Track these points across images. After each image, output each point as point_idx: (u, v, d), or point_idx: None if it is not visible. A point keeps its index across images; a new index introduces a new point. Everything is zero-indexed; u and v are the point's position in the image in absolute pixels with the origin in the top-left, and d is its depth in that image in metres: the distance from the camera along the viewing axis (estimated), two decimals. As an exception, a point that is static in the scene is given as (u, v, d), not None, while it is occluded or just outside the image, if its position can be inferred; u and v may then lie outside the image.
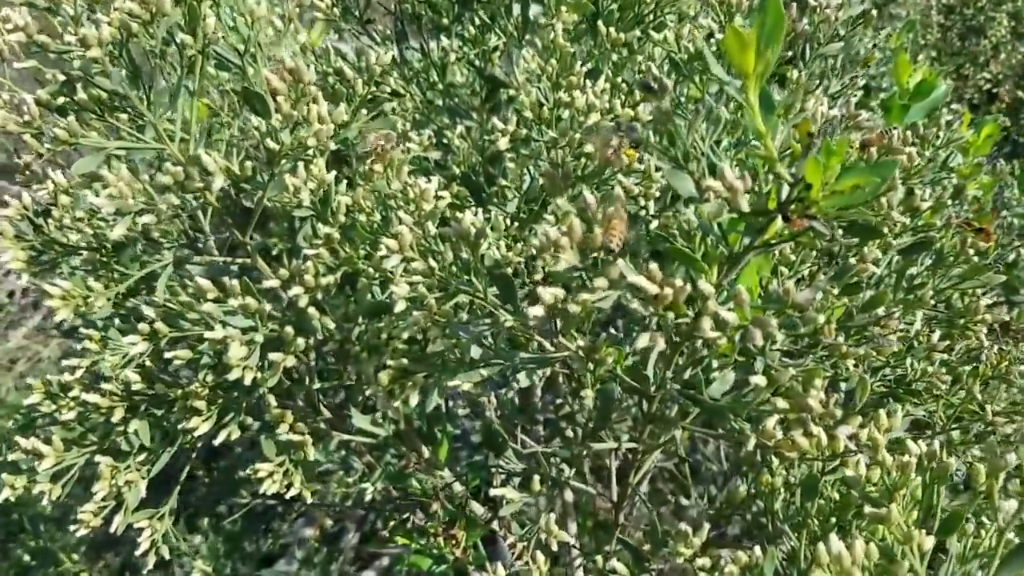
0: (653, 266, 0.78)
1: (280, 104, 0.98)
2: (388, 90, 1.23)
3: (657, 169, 1.05)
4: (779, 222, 0.84)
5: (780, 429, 0.89)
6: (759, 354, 0.93)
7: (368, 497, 1.90)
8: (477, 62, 1.56)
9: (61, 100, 1.06)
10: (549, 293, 0.81)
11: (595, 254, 0.80)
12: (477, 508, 1.39)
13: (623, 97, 1.15)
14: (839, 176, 0.75)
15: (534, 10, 1.43)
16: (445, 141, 1.58)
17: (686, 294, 0.77)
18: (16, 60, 1.06)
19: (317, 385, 1.34)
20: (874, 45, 2.11)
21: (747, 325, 0.76)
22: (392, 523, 1.86)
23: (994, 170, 2.06)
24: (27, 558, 2.23)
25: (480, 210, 1.17)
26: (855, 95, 1.45)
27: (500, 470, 1.20)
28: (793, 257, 1.09)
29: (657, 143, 0.85)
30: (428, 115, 1.60)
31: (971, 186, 1.75)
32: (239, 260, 1.24)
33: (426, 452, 1.50)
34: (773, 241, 0.86)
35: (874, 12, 1.48)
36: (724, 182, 0.75)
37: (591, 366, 0.97)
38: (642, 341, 0.79)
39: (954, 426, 1.12)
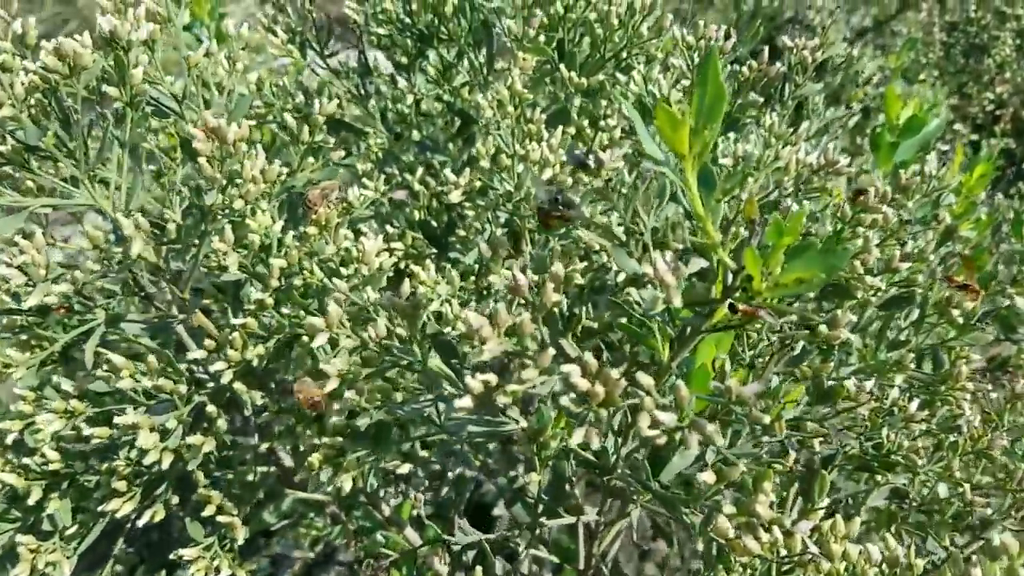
0: (588, 356, 0.70)
1: (202, 165, 0.92)
2: (332, 137, 1.16)
3: (599, 249, 0.98)
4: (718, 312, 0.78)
5: (732, 528, 0.81)
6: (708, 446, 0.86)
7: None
8: (446, 97, 1.49)
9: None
10: (478, 382, 0.74)
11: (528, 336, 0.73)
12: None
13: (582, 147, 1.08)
14: (784, 266, 0.68)
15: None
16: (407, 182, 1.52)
17: (621, 389, 0.70)
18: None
19: (265, 445, 1.27)
20: (865, 82, 2.03)
21: (683, 427, 0.69)
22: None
23: (993, 204, 1.98)
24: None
25: (433, 266, 1.10)
26: (836, 138, 1.37)
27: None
28: (754, 334, 1.01)
29: (595, 220, 0.78)
30: (394, 151, 1.53)
31: (964, 226, 1.67)
32: (180, 316, 1.18)
33: (387, 510, 1.43)
34: (720, 325, 0.79)
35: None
36: (656, 274, 0.68)
37: (535, 448, 0.90)
38: (577, 437, 0.72)
39: (932, 506, 1.05)
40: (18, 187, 1.12)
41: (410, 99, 1.45)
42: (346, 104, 1.52)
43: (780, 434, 0.80)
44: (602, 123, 1.18)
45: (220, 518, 1.01)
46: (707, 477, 0.79)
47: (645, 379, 0.72)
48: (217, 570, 1.00)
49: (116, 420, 0.87)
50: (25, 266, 0.91)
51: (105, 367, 0.93)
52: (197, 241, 1.04)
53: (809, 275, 0.66)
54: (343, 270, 1.02)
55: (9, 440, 1.05)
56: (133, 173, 1.07)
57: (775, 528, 0.80)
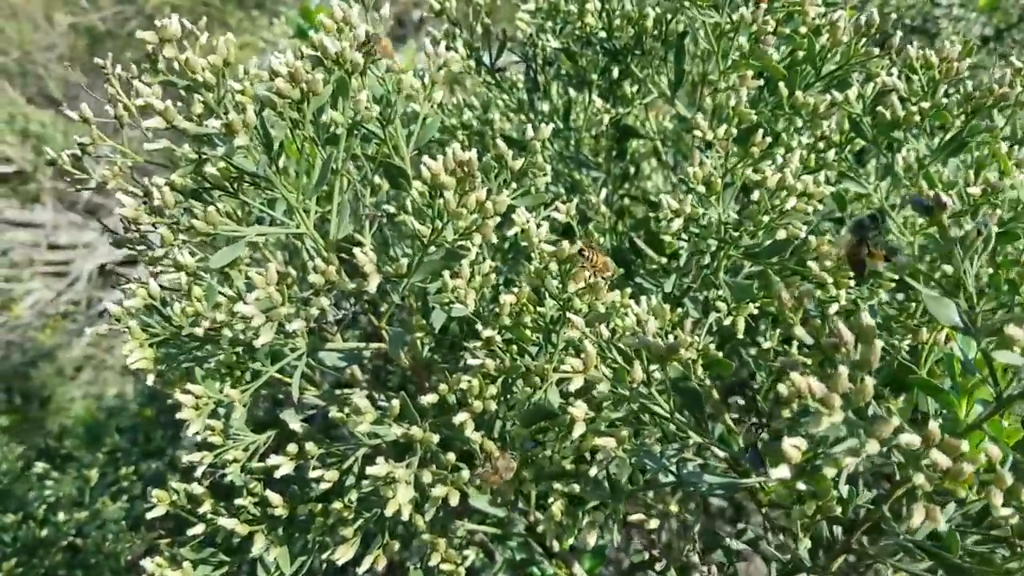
0: (934, 426, 0.64)
1: (448, 201, 0.86)
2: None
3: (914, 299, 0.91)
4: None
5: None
6: None
7: (469, 564, 1.78)
8: (615, 112, 1.42)
9: (192, 185, 0.96)
10: (795, 449, 0.68)
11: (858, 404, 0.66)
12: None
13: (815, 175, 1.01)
14: None
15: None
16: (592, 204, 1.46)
17: (978, 466, 0.63)
18: (133, 125, 0.96)
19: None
20: None
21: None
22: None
23: None
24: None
25: (643, 297, 1.04)
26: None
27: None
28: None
29: (924, 267, 0.71)
30: (557, 168, 1.47)
31: None
32: (373, 346, 1.12)
33: (555, 545, 1.37)
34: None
35: None
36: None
37: (801, 511, 0.83)
38: (917, 518, 0.65)
39: None
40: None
41: (581, 115, 1.38)
42: (512, 120, 1.46)
43: None
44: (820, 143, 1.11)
45: (443, 567, 0.95)
46: None
47: (995, 452, 0.65)
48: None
49: (370, 471, 0.81)
50: (260, 302, 0.86)
51: (345, 410, 0.87)
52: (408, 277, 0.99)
53: None
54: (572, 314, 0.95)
55: (199, 473, 1.01)
56: (341, 201, 1.02)
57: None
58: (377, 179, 1.19)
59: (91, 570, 2.10)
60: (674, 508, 0.87)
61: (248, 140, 0.87)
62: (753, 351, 1.22)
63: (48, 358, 5.73)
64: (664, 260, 1.20)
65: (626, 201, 1.64)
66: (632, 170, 1.68)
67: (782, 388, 0.66)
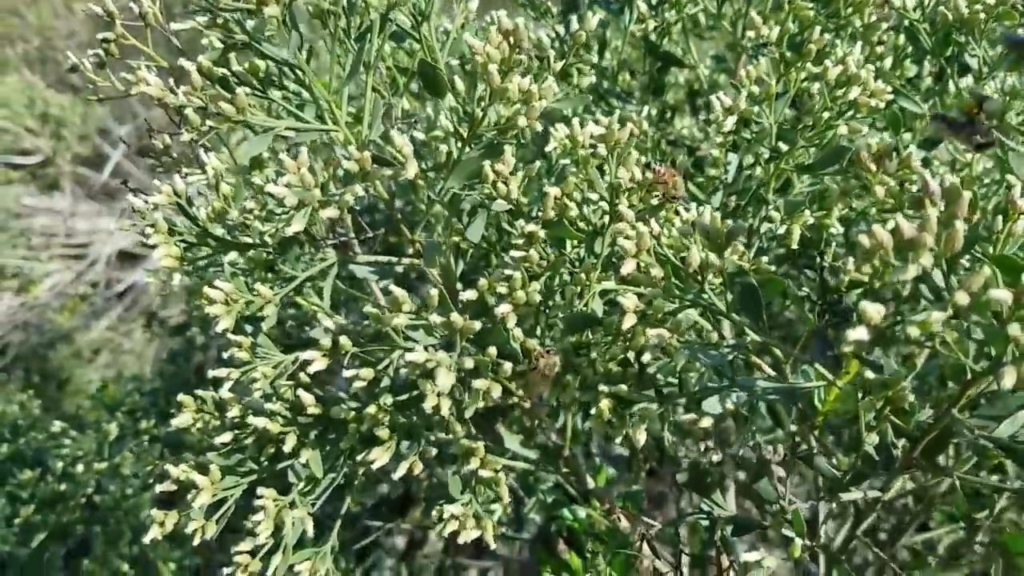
0: (1027, 282, 0.58)
1: (491, 75, 0.81)
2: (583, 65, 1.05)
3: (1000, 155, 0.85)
4: None
5: None
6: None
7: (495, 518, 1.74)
8: (652, 37, 1.37)
9: (221, 71, 0.91)
10: (876, 310, 0.62)
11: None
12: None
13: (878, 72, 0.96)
14: None
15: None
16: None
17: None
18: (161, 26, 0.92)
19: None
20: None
21: None
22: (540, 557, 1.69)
23: None
24: (125, 568, 2.11)
25: (695, 205, 0.98)
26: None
27: (707, 516, 1.02)
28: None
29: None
30: (593, 99, 1.42)
31: None
32: (405, 261, 1.08)
33: (590, 481, 1.32)
34: None
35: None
36: None
37: (877, 404, 0.77)
38: (1008, 379, 0.60)
39: None
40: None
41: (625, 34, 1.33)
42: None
43: None
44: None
45: (483, 472, 0.90)
46: None
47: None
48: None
49: (408, 357, 0.76)
50: (293, 187, 0.81)
51: (383, 300, 0.82)
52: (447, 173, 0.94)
53: None
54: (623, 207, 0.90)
55: (225, 390, 0.96)
56: (374, 100, 0.97)
57: None
58: (410, 90, 1.15)
59: (108, 524, 2.07)
60: (729, 409, 0.81)
61: (279, 11, 0.82)
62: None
63: (66, 340, 5.72)
64: (712, 173, 1.15)
65: (663, 145, 1.59)
66: (669, 115, 1.63)
67: (863, 239, 0.61)
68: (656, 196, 0.84)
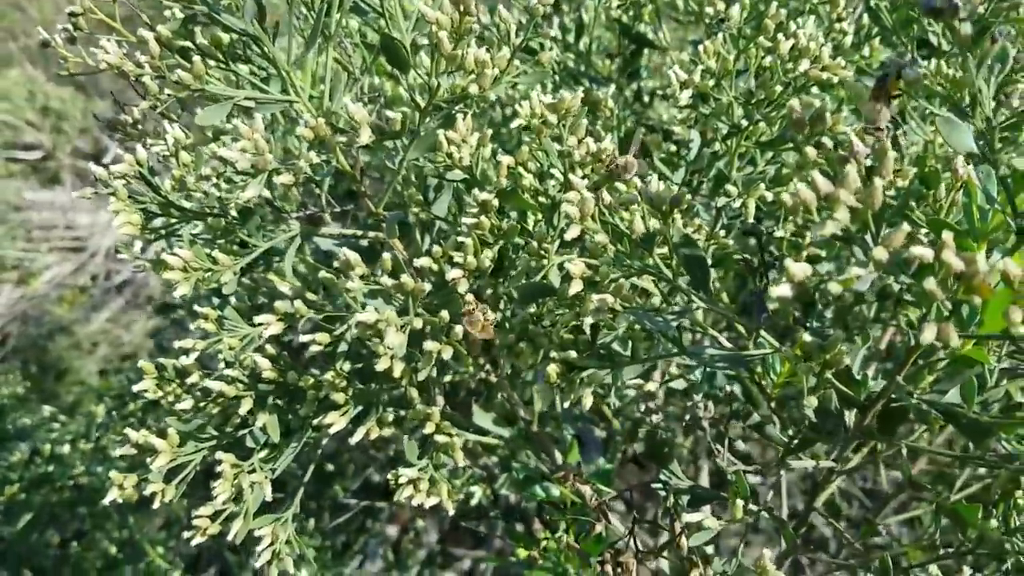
0: (947, 236, 0.59)
1: (441, 41, 0.82)
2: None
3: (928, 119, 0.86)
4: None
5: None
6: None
7: (475, 502, 1.75)
8: (624, 18, 1.38)
9: (184, 43, 0.93)
10: (800, 268, 0.64)
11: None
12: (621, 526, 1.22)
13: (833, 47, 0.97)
14: None
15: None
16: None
17: (994, 275, 0.59)
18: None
19: (448, 377, 1.19)
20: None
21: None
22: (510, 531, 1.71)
23: None
24: (113, 550, 2.13)
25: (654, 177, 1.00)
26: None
27: (665, 486, 1.03)
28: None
29: (938, 84, 0.67)
30: (565, 81, 1.43)
31: None
32: (371, 234, 1.09)
33: (559, 456, 1.34)
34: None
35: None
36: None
37: (815, 368, 0.79)
38: (928, 334, 0.61)
39: None
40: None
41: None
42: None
43: None
44: None
45: (438, 437, 0.92)
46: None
47: (1014, 267, 0.61)
48: (430, 494, 0.91)
49: (358, 317, 0.78)
50: (246, 152, 0.83)
51: (336, 264, 0.84)
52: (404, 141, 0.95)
53: None
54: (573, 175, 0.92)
55: (191, 358, 0.98)
56: (335, 71, 0.99)
57: None
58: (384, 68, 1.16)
59: (95, 506, 2.09)
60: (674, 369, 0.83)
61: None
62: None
63: (65, 332, 5.74)
64: (674, 148, 1.16)
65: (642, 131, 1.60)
66: (648, 99, 1.64)
67: (785, 197, 0.62)
68: (606, 169, 0.85)
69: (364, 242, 1.12)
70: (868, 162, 0.64)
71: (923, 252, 0.60)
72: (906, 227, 0.60)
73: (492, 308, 1.00)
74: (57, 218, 6.48)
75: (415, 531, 2.62)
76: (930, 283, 0.59)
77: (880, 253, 0.60)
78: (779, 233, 0.93)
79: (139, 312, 5.91)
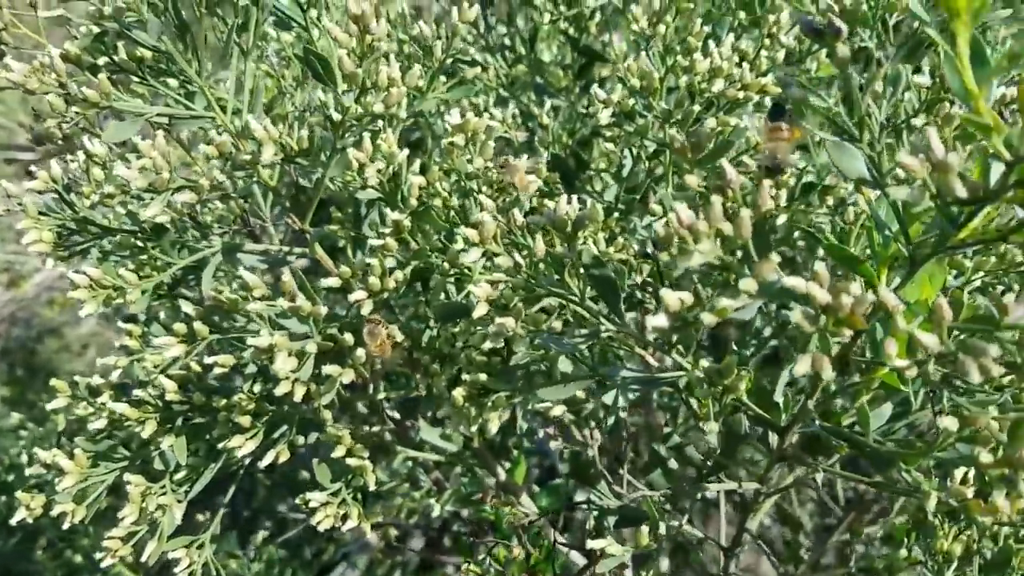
0: (820, 266, 0.58)
1: (343, 61, 0.81)
2: (469, 57, 1.05)
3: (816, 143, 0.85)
4: (980, 216, 0.65)
5: (971, 487, 0.68)
6: (940, 387, 0.73)
7: (436, 514, 1.73)
8: (571, 31, 1.37)
9: (98, 59, 0.92)
10: (675, 298, 0.63)
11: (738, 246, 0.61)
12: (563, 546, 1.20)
13: (752, 63, 0.95)
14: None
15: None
16: (529, 124, 1.41)
17: (866, 306, 0.57)
18: (43, 7, 0.93)
19: (382, 394, 1.17)
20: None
21: (955, 352, 0.56)
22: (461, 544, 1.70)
23: None
24: (78, 559, 2.12)
25: (575, 197, 0.98)
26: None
27: (591, 506, 1.02)
28: (968, 264, 0.87)
29: (821, 109, 0.65)
30: (512, 92, 1.42)
31: None
32: (297, 251, 1.08)
33: (501, 473, 1.32)
34: (969, 240, 0.66)
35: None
36: (931, 157, 0.55)
37: (718, 392, 0.77)
38: (802, 366, 0.59)
39: None
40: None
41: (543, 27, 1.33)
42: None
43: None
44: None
45: (350, 461, 0.90)
46: (949, 422, 0.66)
47: (889, 297, 0.59)
48: (344, 518, 0.90)
49: (250, 341, 0.77)
50: (145, 171, 0.82)
51: (234, 285, 0.83)
52: (325, 157, 0.94)
53: None
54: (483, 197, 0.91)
55: (114, 376, 0.97)
56: (255, 86, 0.98)
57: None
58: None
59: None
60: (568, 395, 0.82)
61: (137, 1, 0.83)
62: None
63: (54, 334, 5.75)
64: (602, 166, 1.15)
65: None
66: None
67: (658, 227, 0.61)
68: (504, 185, 0.84)
69: (292, 258, 1.11)
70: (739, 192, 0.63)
71: (793, 283, 0.59)
72: (775, 257, 0.59)
73: (417, 327, 0.99)
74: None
75: (387, 541, 2.60)
76: (796, 315, 0.58)
77: (747, 284, 0.59)
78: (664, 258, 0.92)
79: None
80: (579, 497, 1.14)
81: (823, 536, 1.61)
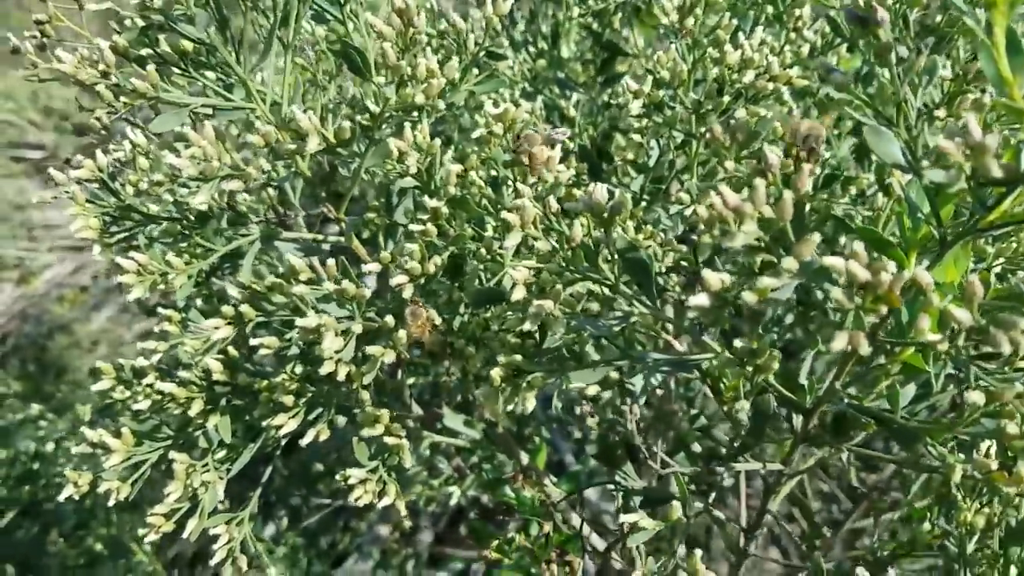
0: (858, 246, 0.61)
1: (387, 52, 0.84)
2: (501, 49, 1.08)
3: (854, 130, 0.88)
4: (1009, 199, 0.67)
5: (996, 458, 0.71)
6: (966, 363, 0.75)
7: (454, 502, 1.76)
8: (595, 26, 1.40)
9: (142, 51, 0.95)
10: (716, 278, 0.65)
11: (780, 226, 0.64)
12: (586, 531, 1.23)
13: (783, 55, 0.98)
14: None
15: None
16: (552, 118, 1.44)
17: (903, 283, 0.60)
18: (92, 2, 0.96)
19: (411, 380, 1.20)
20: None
21: (987, 327, 0.59)
22: (477, 530, 1.72)
23: None
24: (99, 547, 2.15)
25: (604, 186, 1.01)
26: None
27: (617, 487, 1.04)
28: (989, 249, 0.90)
29: (861, 93, 0.68)
30: (535, 86, 1.45)
31: None
32: (331, 239, 1.11)
33: (524, 458, 1.35)
34: (998, 222, 0.69)
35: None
36: (968, 140, 0.57)
37: (749, 372, 0.80)
38: (839, 342, 0.62)
39: None
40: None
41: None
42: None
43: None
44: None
45: (388, 439, 0.93)
46: (976, 397, 0.68)
47: (924, 275, 0.62)
48: (381, 494, 0.93)
49: (299, 322, 0.80)
50: (195, 159, 0.84)
51: (280, 270, 0.86)
52: (362, 148, 0.97)
53: None
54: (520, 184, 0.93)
55: (154, 360, 1.00)
56: (294, 78, 1.01)
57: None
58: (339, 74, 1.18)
59: (81, 503, 2.11)
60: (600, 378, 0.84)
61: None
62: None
63: (64, 331, 5.78)
64: (630, 156, 1.18)
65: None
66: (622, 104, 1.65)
67: (701, 210, 0.64)
68: (514, 143, 0.87)
69: (326, 246, 1.13)
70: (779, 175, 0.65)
71: (833, 262, 0.61)
72: (815, 237, 0.61)
73: (448, 312, 1.02)
74: (58, 217, 6.52)
75: (400, 532, 2.63)
76: (836, 292, 0.60)
77: (789, 263, 0.61)
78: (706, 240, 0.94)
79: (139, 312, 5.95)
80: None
81: (832, 529, 1.64)
